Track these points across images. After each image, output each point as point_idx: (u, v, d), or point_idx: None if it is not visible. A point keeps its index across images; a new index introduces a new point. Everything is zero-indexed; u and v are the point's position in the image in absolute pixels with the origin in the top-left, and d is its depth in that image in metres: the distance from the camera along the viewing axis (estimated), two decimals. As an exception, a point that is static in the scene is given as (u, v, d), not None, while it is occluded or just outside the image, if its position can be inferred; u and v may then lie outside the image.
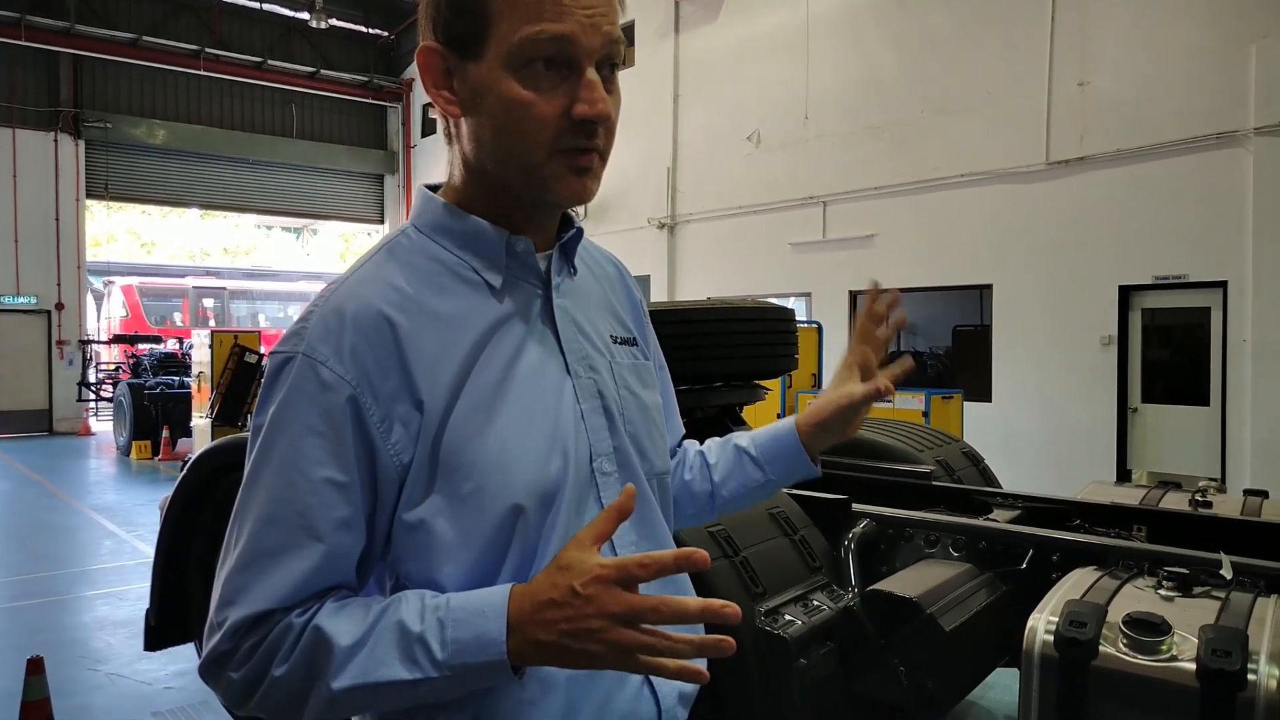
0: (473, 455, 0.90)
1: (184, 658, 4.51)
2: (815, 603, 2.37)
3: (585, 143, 0.92)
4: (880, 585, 2.39)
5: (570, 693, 0.92)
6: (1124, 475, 8.88)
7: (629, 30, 14.70)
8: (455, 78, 0.94)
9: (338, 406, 0.88)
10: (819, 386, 8.64)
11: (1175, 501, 3.12)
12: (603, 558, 0.82)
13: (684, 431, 1.30)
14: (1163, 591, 2.02)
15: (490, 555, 0.91)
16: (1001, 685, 3.85)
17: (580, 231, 1.06)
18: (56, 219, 16.44)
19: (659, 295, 13.82)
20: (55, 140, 16.43)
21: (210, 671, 0.88)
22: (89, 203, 17.42)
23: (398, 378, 0.90)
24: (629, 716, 0.97)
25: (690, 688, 1.06)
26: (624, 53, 0.95)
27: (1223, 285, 8.33)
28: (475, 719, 0.91)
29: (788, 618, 2.27)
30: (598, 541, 0.84)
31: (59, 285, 16.54)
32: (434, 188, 1.04)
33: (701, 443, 1.29)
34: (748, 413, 4.00)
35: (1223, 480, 8.13)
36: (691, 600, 0.81)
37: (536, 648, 0.82)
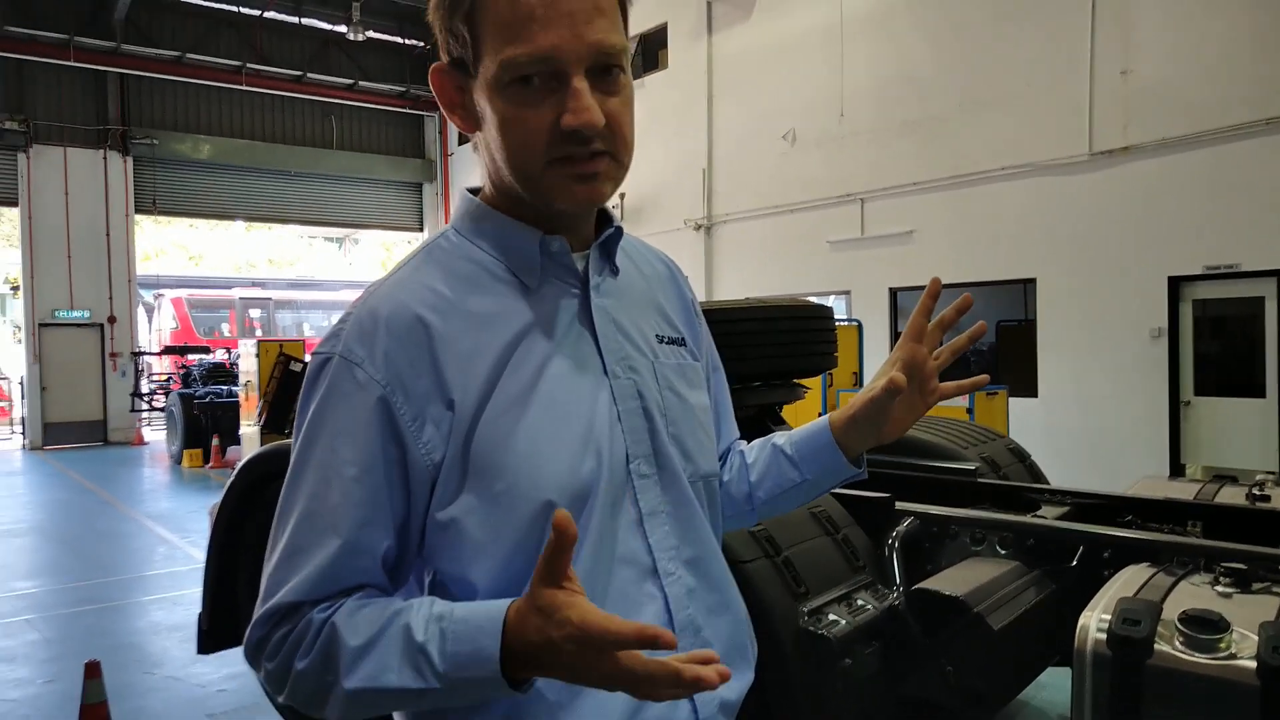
0: (503, 455, 0.91)
1: (238, 661, 4.59)
2: (859, 602, 2.35)
3: (579, 150, 0.90)
4: (926, 584, 2.36)
5: (600, 697, 0.91)
6: (1177, 470, 8.66)
7: (660, 32, 14.72)
8: (466, 95, 0.97)
9: (371, 407, 0.90)
10: (860, 385, 8.55)
11: (1231, 496, 3.04)
12: (567, 616, 0.77)
13: (738, 434, 1.27)
14: (1220, 588, 1.96)
15: (521, 555, 0.91)
16: (1054, 685, 3.78)
17: (620, 230, 1.05)
18: (107, 234, 16.86)
19: (697, 296, 13.75)
20: (104, 158, 16.84)
21: (251, 657, 0.92)
22: (138, 217, 17.84)
23: (430, 377, 0.91)
24: None
25: (734, 697, 1.03)
26: (626, 56, 0.94)
27: (1276, 274, 8.09)
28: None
29: (831, 617, 2.24)
30: (546, 585, 0.79)
31: (111, 299, 16.96)
32: (475, 190, 1.04)
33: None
34: (788, 413, 3.98)
35: (1281, 474, 7.90)
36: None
37: (540, 664, 0.81)
